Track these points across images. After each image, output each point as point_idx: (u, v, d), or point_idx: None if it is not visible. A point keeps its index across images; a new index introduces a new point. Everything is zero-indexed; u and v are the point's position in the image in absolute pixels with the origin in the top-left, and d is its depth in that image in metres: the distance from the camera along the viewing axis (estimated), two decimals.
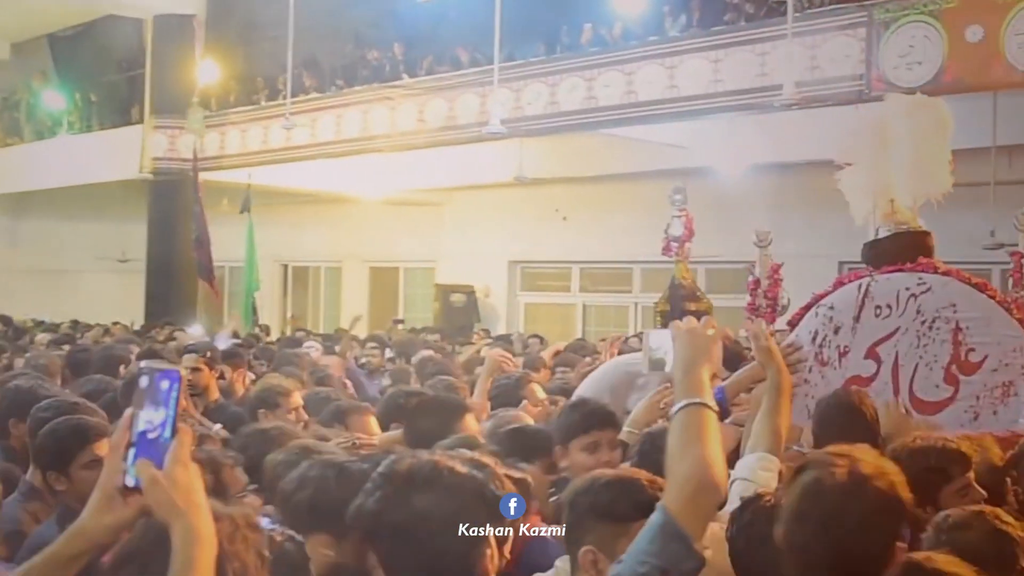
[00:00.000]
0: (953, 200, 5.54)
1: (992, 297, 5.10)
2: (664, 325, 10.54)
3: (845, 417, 4.53)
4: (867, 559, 2.53)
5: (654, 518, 2.40)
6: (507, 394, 5.75)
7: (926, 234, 5.49)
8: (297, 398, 5.80)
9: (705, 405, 2.53)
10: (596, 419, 4.34)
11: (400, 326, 19.20)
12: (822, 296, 5.49)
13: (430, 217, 21.89)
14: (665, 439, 2.55)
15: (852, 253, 14.53)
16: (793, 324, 5.57)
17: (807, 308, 5.51)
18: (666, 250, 11.12)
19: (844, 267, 15.70)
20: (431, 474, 2.48)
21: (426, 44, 18.99)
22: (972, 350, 5.02)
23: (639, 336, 16.35)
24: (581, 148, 17.27)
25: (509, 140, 16.30)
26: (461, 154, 17.90)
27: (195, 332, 13.40)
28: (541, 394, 5.94)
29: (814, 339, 5.36)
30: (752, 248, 15.98)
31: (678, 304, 11.20)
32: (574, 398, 5.32)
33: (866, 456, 2.64)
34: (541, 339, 15.55)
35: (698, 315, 9.35)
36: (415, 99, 17.88)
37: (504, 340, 15.45)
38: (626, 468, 2.99)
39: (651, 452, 3.65)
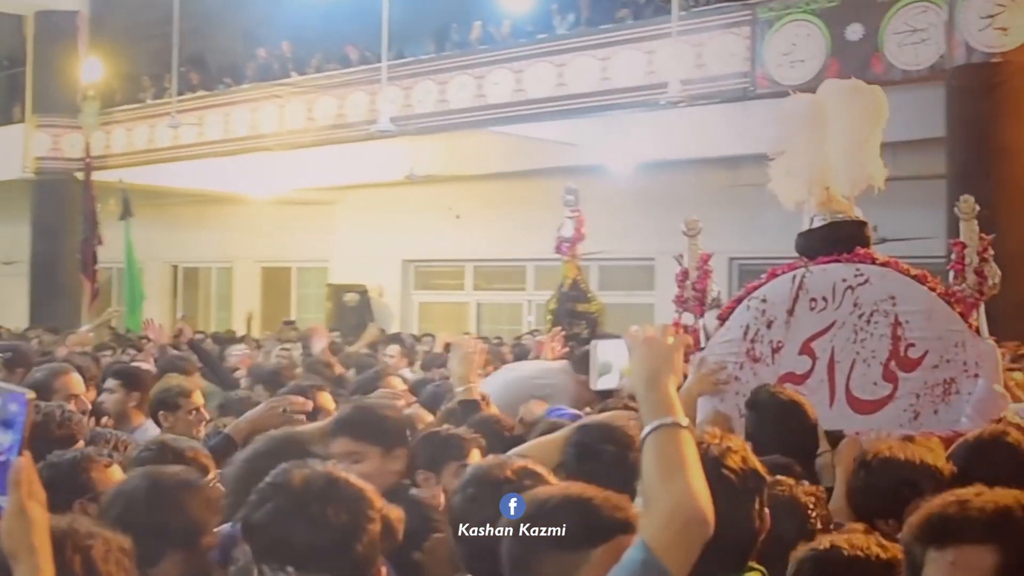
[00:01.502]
0: None
1: (933, 290, 4.82)
2: (554, 324, 10.45)
3: (782, 415, 4.22)
4: (739, 533, 2.48)
5: (634, 555, 2.15)
6: (366, 387, 5.59)
7: (863, 224, 5.18)
8: (198, 397, 5.56)
9: (679, 425, 2.28)
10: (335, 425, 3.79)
11: (292, 327, 18.81)
12: (754, 288, 5.16)
13: (322, 216, 21.51)
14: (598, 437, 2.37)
15: (743, 250, 14.78)
16: (723, 318, 5.18)
17: (738, 301, 5.16)
18: (558, 250, 11.05)
19: (734, 264, 15.82)
20: (327, 486, 2.35)
21: (315, 42, 18.70)
22: (912, 345, 4.72)
23: (532, 334, 16.25)
24: (473, 146, 17.12)
25: (400, 138, 16.12)
26: (352, 152, 17.65)
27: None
28: (401, 387, 5.76)
29: (745, 334, 5.02)
30: (642, 244, 16.15)
31: (565, 304, 11.14)
32: None
33: (712, 439, 2.54)
34: (435, 337, 15.37)
35: (587, 316, 9.13)
36: (304, 97, 17.65)
37: (395, 339, 15.23)
38: (573, 485, 2.53)
39: (583, 459, 3.36)
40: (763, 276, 5.21)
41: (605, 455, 3.31)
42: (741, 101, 12.92)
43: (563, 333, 7.89)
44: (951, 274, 4.95)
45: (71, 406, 4.59)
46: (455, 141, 16.98)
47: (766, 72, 12.64)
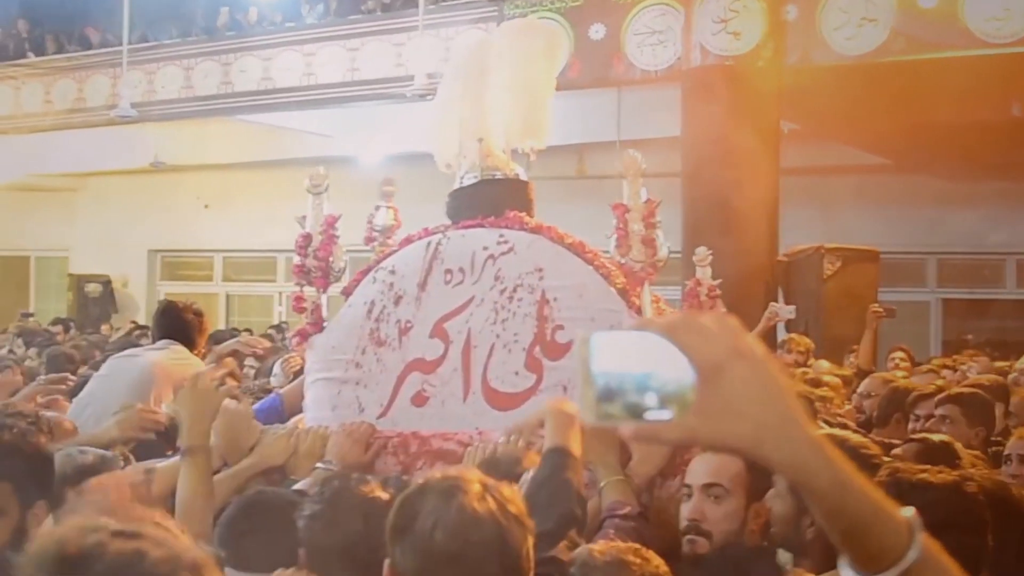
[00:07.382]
0: (581, 192, 5.02)
1: (591, 262, 3.90)
2: None
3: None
4: None
5: None
6: None
7: (522, 183, 4.23)
8: None
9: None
10: None
11: (31, 319, 17.47)
12: (385, 257, 4.21)
13: (62, 204, 20.07)
14: None
15: None
16: (348, 292, 4.24)
17: (365, 272, 4.20)
18: (368, 240, 10.42)
19: None
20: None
21: (53, 22, 17.45)
22: (560, 328, 3.74)
23: (280, 326, 15.52)
24: (221, 134, 16.32)
25: (145, 124, 15.25)
26: (94, 138, 16.63)
27: None
28: None
29: (370, 312, 4.05)
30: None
31: None
32: None
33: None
34: None
35: None
36: (41, 79, 16.54)
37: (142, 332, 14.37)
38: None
39: None
40: (397, 244, 4.28)
41: None
42: None
43: None
44: (614, 243, 4.00)
45: None
46: (202, 129, 16.12)
47: None
